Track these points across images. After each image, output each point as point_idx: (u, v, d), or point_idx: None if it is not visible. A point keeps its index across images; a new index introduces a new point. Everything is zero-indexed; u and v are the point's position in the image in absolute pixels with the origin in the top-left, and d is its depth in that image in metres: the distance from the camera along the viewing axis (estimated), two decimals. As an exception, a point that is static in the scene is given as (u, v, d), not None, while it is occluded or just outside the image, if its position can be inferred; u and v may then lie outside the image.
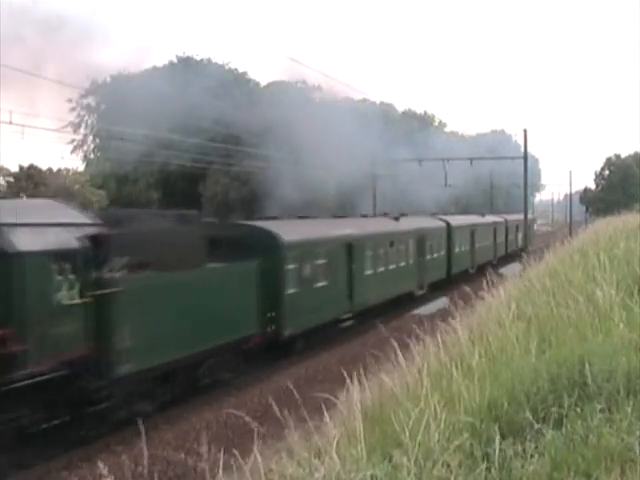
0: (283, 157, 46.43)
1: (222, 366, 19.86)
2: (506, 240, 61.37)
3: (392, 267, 32.84)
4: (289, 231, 24.48)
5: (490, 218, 58.47)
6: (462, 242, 46.43)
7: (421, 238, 37.56)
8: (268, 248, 22.42)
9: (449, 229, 43.69)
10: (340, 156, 47.34)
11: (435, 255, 40.50)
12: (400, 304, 33.32)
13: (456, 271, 43.85)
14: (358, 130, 51.43)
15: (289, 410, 8.45)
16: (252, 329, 20.80)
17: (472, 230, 49.15)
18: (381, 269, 31.49)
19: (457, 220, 47.24)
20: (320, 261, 25.66)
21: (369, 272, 30.10)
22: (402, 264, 34.45)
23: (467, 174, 63.31)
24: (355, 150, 48.40)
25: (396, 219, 37.20)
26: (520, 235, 64.57)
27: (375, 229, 32.57)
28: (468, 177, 65.95)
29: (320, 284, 25.47)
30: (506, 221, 62.22)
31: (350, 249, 28.29)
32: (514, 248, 61.67)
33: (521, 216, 66.94)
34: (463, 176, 61.40)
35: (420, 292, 36.89)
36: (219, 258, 19.82)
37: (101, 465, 6.62)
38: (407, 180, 56.21)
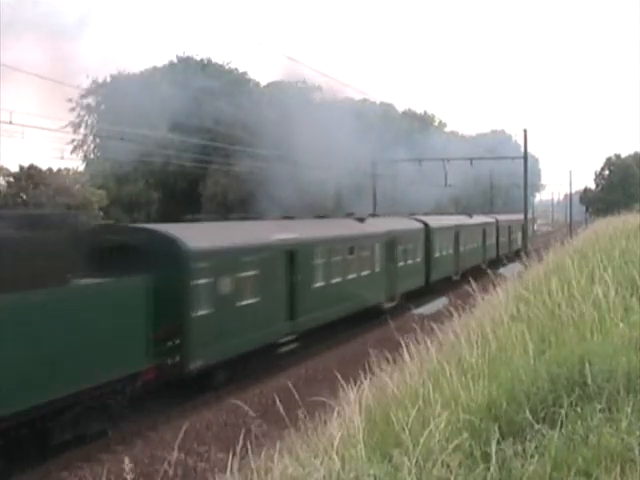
0: (281, 157, 46.50)
1: (91, 416, 15.19)
2: (497, 242, 57.60)
3: (352, 277, 28.37)
4: (200, 236, 20.09)
5: (478, 218, 54.11)
6: (444, 245, 42.16)
7: (391, 242, 33.11)
8: (168, 258, 18.05)
9: (427, 231, 39.30)
10: (336, 156, 47.46)
11: (410, 261, 35.93)
12: (367, 319, 29.60)
13: (437, 278, 39.98)
14: (355, 130, 51.53)
15: (289, 410, 8.47)
16: (139, 363, 16.23)
17: (456, 232, 45.02)
18: (336, 280, 26.94)
19: (438, 221, 42.80)
20: (247, 273, 20.92)
21: (319, 284, 25.68)
22: (365, 273, 29.91)
23: (466, 174, 63.22)
24: (351, 151, 48.48)
25: (360, 220, 32.87)
26: (514, 236, 62.29)
27: (329, 233, 27.85)
28: (467, 177, 65.75)
29: (247, 302, 20.82)
30: (497, 221, 58.32)
31: (292, 257, 23.72)
32: (506, 251, 57.74)
33: (515, 216, 64.98)
34: (462, 176, 61.20)
35: (390, 304, 32.35)
36: (102, 272, 15.63)
37: (127, 460, 6.61)
38: (404, 181, 55.90)
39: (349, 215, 34.34)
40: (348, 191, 54.15)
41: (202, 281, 18.91)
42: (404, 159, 52.30)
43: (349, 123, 51.64)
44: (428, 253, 38.83)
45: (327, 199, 52.36)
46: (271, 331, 22.35)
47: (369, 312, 30.01)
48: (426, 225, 39.38)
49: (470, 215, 52.72)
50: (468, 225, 49.09)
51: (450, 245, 43.47)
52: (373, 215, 36.49)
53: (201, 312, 18.74)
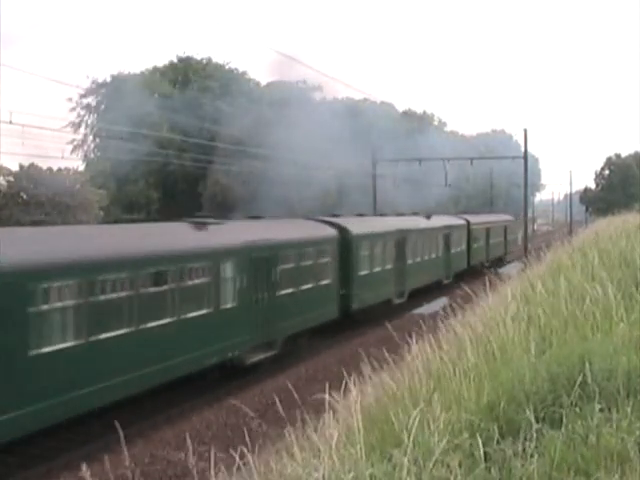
0: (269, 157, 46.64)
1: None
2: (468, 250, 47.64)
3: (171, 320, 17.41)
4: None
5: (440, 220, 43.36)
6: (377, 258, 31.03)
7: (261, 260, 21.46)
8: None
9: (345, 240, 28.03)
10: (325, 157, 47.55)
11: (308, 285, 24.50)
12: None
13: (363, 305, 29.09)
14: (348, 131, 51.69)
15: (289, 410, 8.46)
16: None
17: (399, 239, 33.96)
18: (138, 327, 16.21)
19: (367, 225, 31.64)
20: None
21: (89, 339, 14.87)
22: (198, 313, 18.52)
23: (463, 174, 63.01)
24: (341, 151, 48.60)
25: (199, 227, 20.39)
26: (494, 241, 54.69)
27: (90, 252, 15.63)
28: (462, 177, 65.42)
29: None
30: (469, 223, 48.32)
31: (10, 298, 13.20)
32: (482, 259, 49.72)
33: (497, 217, 60.70)
34: (458, 176, 60.72)
35: (260, 356, 21.61)
36: None
37: (84, 468, 6.56)
38: (396, 181, 55.17)
39: (204, 217, 22.54)
40: (338, 190, 54.26)
41: None
42: (398, 159, 51.02)
43: (340, 123, 51.79)
44: (347, 271, 27.88)
45: (328, 197, 52.50)
46: None
47: (211, 374, 19.87)
48: (343, 231, 28.24)
49: (428, 216, 41.96)
50: (420, 230, 38.02)
51: (389, 257, 32.59)
52: (255, 217, 26.53)
53: None
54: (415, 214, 41.20)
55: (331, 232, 27.68)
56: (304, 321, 24.26)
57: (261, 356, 21.71)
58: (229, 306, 19.99)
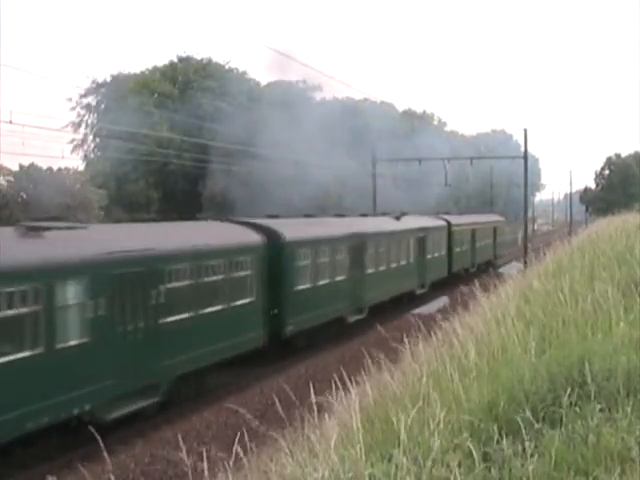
0: (261, 156, 46.73)
1: None
2: (449, 254, 42.47)
3: None
4: None
5: (412, 221, 37.57)
6: (324, 269, 25.63)
7: (138, 277, 16.21)
8: None
9: (277, 247, 22.68)
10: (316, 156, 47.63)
11: (214, 307, 19.08)
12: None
13: (303, 326, 23.74)
14: (344, 131, 51.82)
15: (289, 410, 8.46)
16: None
17: (357, 245, 28.44)
18: None
19: (307, 229, 26.09)
20: None
21: None
22: (24, 354, 13.40)
23: (461, 174, 62.96)
24: (334, 152, 48.68)
25: (30, 234, 14.68)
26: (481, 244, 50.31)
27: None
28: (461, 176, 65.36)
29: None
30: (449, 225, 42.94)
31: None
32: (467, 264, 46.01)
33: (486, 217, 57.42)
34: (456, 176, 60.58)
35: (132, 407, 16.17)
36: None
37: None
38: (386, 181, 54.67)
39: (52, 220, 18.28)
40: (337, 191, 54.31)
41: None
42: (398, 159, 50.39)
43: (340, 123, 51.86)
44: (279, 286, 22.53)
45: (328, 198, 52.57)
46: None
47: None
48: (273, 236, 22.78)
49: (397, 217, 36.57)
50: (385, 233, 32.34)
51: (341, 266, 27.05)
52: (143, 220, 22.60)
53: None
54: (385, 214, 36.87)
55: (254, 238, 21.84)
56: (206, 355, 18.55)
57: (133, 407, 16.14)
58: (74, 343, 14.43)
